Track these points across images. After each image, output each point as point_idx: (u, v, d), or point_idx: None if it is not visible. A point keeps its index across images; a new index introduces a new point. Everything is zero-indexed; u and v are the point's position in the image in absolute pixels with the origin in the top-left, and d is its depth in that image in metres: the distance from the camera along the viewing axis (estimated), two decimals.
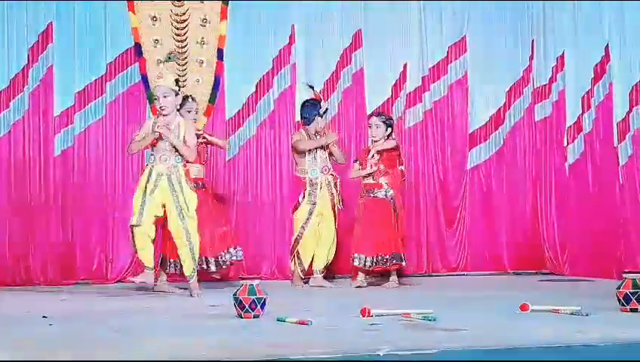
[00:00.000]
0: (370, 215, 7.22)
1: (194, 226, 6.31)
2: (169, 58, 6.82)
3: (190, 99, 7.02)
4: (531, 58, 8.57)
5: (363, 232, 7.22)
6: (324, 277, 7.33)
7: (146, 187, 6.28)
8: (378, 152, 7.22)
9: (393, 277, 7.23)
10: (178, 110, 6.48)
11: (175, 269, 6.75)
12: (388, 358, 3.67)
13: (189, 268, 6.34)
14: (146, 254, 6.33)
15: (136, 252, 6.46)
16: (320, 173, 7.29)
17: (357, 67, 8.30)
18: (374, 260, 7.15)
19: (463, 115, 8.53)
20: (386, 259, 7.14)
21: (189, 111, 6.91)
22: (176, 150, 6.29)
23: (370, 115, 7.46)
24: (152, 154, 6.38)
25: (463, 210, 8.45)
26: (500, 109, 8.56)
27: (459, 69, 8.50)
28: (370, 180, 7.27)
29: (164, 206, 6.28)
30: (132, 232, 6.33)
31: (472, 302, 5.93)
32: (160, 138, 6.29)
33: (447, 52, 8.48)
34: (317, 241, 7.30)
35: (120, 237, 7.65)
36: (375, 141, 7.28)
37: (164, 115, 6.35)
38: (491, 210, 8.52)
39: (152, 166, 6.33)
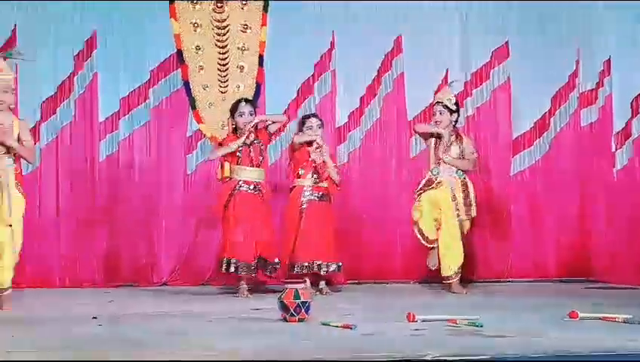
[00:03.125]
0: (317, 219, 7.01)
1: (19, 233, 5.85)
2: (10, 54, 6.21)
3: (313, 118, 7.06)
4: (577, 62, 8.46)
5: (309, 236, 6.98)
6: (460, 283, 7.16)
7: None
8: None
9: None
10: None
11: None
12: None
13: (7, 278, 5.80)
14: None
15: None
16: (442, 173, 7.12)
17: (397, 72, 8.27)
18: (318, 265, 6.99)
19: (506, 120, 8.44)
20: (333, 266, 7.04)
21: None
22: (10, 151, 5.80)
23: (310, 116, 7.21)
24: None
25: (507, 217, 8.35)
26: (544, 115, 8.46)
27: (502, 74, 8.41)
28: (314, 182, 7.03)
29: None
30: None
31: (519, 309, 5.87)
32: None
33: (490, 57, 8.41)
34: (442, 244, 7.11)
35: (164, 240, 7.73)
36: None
37: None
38: (536, 217, 8.41)
39: None
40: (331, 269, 7.02)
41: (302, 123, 7.14)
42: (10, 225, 5.75)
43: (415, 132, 7.58)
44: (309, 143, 7.02)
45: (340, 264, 7.08)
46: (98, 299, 6.56)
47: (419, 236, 7.16)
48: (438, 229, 7.12)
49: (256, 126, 6.91)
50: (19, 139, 5.81)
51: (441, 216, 7.10)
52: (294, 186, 7.12)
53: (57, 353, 3.93)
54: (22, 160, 6.04)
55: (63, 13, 7.62)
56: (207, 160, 7.49)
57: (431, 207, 7.10)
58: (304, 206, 7.01)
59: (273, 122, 7.08)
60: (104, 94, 7.69)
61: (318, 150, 6.99)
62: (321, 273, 7.00)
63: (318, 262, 6.95)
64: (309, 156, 7.04)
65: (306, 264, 6.93)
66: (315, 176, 7.04)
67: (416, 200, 7.15)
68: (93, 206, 7.63)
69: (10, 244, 5.75)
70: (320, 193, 7.06)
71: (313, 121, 7.09)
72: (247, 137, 6.85)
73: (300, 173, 7.07)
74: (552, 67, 8.45)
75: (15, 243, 5.78)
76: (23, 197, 5.90)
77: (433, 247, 7.14)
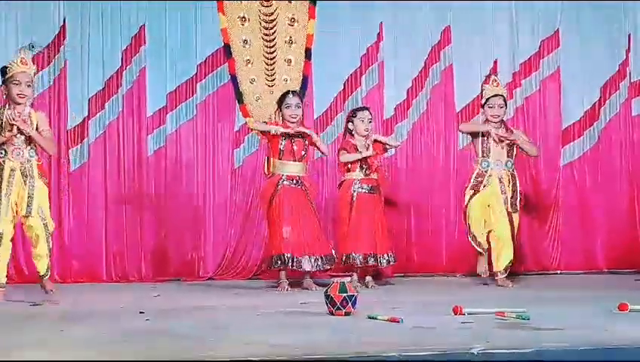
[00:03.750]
0: (367, 211, 7.01)
1: (50, 221, 5.93)
2: (31, 47, 6.20)
3: (366, 110, 7.06)
4: (627, 51, 8.35)
5: (361, 229, 6.99)
6: (507, 277, 7.05)
7: (0, 186, 5.80)
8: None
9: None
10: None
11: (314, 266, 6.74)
12: (482, 357, 3.61)
13: (44, 265, 5.90)
14: (2, 267, 5.88)
15: None
16: (491, 166, 7.00)
17: (446, 64, 8.22)
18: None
19: (556, 111, 8.36)
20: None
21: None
22: (31, 143, 5.83)
23: (363, 109, 7.17)
24: (1, 149, 5.84)
25: (555, 208, 8.28)
26: (594, 105, 8.36)
27: (551, 63, 8.33)
28: (364, 174, 7.02)
29: (16, 204, 5.83)
30: None
31: (567, 301, 5.80)
32: (18, 132, 5.78)
33: (539, 47, 8.32)
34: (493, 238, 7.00)
35: (211, 235, 7.78)
36: (367, 135, 7.05)
37: (18, 103, 5.81)
38: (586, 208, 8.33)
39: (3, 161, 5.83)
40: (384, 261, 7.01)
41: (352, 115, 7.11)
42: (40, 215, 5.82)
43: (461, 132, 7.47)
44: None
45: (393, 255, 7.07)
46: (145, 293, 6.61)
47: (472, 243, 7.06)
48: (489, 232, 7.02)
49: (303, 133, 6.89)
50: (37, 130, 5.86)
51: (490, 216, 7.00)
52: (344, 180, 7.11)
53: (106, 347, 3.97)
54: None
55: (111, 9, 7.69)
56: (250, 127, 7.50)
57: (481, 211, 7.00)
58: (354, 199, 7.00)
59: (317, 146, 7.03)
60: (151, 89, 7.75)
61: (367, 149, 6.99)
62: (379, 265, 7.00)
63: (371, 254, 6.94)
64: (357, 149, 7.02)
65: (359, 256, 6.93)
66: (364, 168, 7.03)
67: (466, 203, 7.01)
68: (141, 200, 7.70)
69: (44, 233, 5.85)
70: (370, 185, 7.04)
71: (365, 114, 7.06)
72: (291, 129, 6.83)
73: (349, 166, 7.06)
74: (602, 56, 8.35)
75: (47, 232, 5.88)
76: (46, 188, 5.96)
77: (482, 254, 7.06)
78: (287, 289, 6.67)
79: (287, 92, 7.02)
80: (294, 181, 6.85)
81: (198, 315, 5.19)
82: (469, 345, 3.75)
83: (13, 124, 5.77)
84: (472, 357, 3.61)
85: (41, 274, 5.94)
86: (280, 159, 6.84)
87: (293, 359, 3.61)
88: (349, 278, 5.21)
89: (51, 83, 7.49)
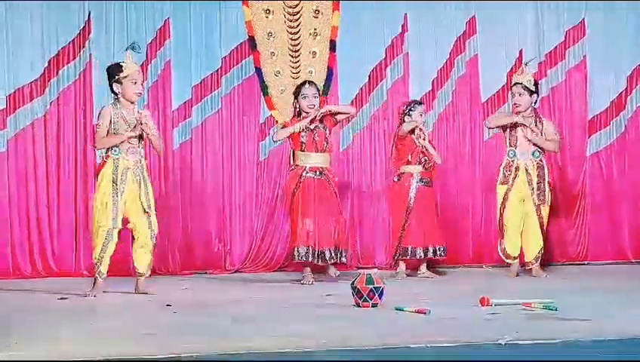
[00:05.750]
0: (425, 204, 7.10)
1: (156, 223, 6.00)
2: (133, 47, 6.11)
3: (421, 105, 7.18)
4: None
5: (421, 222, 7.08)
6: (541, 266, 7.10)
7: (113, 183, 5.83)
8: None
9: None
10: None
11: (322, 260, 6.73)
12: (509, 348, 3.61)
13: (144, 264, 6.00)
14: (106, 262, 5.90)
15: (100, 258, 5.88)
16: (518, 156, 6.98)
17: (471, 54, 8.18)
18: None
19: (582, 100, 8.30)
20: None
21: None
22: (142, 141, 5.93)
23: (418, 103, 7.27)
24: (116, 147, 5.86)
25: (582, 198, 8.23)
26: (620, 94, 8.29)
27: (577, 53, 8.27)
28: (423, 168, 7.09)
29: (125, 203, 5.88)
30: (103, 235, 5.86)
31: (594, 292, 5.78)
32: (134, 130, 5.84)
33: (565, 36, 8.26)
34: (522, 230, 7.03)
35: (237, 228, 7.79)
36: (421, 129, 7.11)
37: (132, 102, 5.91)
38: (613, 198, 8.26)
39: (117, 159, 5.86)
40: (440, 253, 7.12)
41: (411, 108, 7.13)
42: (148, 213, 5.92)
43: (489, 128, 7.45)
44: (412, 131, 7.06)
45: (445, 247, 7.18)
46: (172, 286, 6.64)
47: (501, 254, 7.10)
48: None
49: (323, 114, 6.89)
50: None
51: (524, 211, 7.01)
52: (402, 173, 7.14)
53: (133, 340, 4.00)
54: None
55: (135, 3, 7.71)
56: (274, 140, 7.47)
57: (517, 212, 6.99)
58: (413, 192, 7.06)
59: (341, 113, 7.05)
60: (176, 83, 7.76)
61: (421, 136, 7.03)
62: (436, 256, 7.12)
63: (432, 248, 7.07)
64: (415, 143, 7.07)
65: (420, 249, 7.03)
66: (424, 161, 7.07)
67: (501, 206, 6.99)
68: (167, 194, 7.71)
69: (148, 233, 5.95)
70: (426, 179, 7.11)
71: (423, 109, 7.20)
72: (312, 122, 6.83)
73: (408, 159, 7.09)
74: (628, 45, 8.29)
75: (153, 230, 5.97)
76: (151, 186, 6.07)
77: (512, 263, 7.07)
78: (311, 283, 6.68)
79: (304, 82, 7.02)
80: (317, 172, 6.84)
81: (225, 308, 5.22)
82: (497, 336, 3.75)
83: (140, 125, 5.83)
84: (499, 347, 3.61)
85: (139, 272, 5.99)
86: (303, 151, 6.84)
87: (320, 350, 3.63)
88: (375, 270, 5.21)
89: (77, 77, 7.53)
